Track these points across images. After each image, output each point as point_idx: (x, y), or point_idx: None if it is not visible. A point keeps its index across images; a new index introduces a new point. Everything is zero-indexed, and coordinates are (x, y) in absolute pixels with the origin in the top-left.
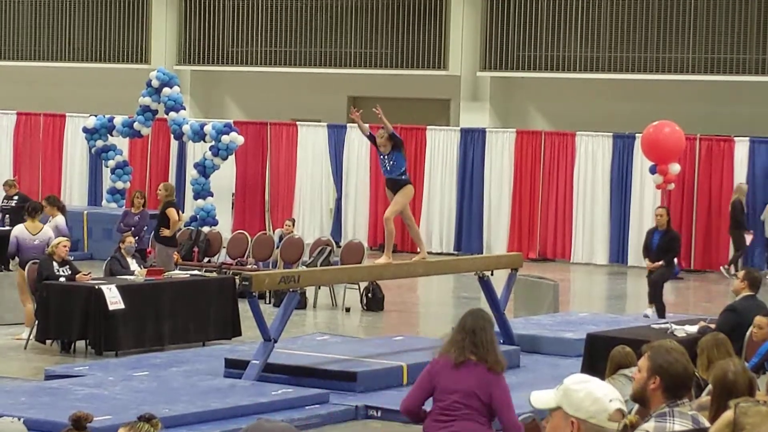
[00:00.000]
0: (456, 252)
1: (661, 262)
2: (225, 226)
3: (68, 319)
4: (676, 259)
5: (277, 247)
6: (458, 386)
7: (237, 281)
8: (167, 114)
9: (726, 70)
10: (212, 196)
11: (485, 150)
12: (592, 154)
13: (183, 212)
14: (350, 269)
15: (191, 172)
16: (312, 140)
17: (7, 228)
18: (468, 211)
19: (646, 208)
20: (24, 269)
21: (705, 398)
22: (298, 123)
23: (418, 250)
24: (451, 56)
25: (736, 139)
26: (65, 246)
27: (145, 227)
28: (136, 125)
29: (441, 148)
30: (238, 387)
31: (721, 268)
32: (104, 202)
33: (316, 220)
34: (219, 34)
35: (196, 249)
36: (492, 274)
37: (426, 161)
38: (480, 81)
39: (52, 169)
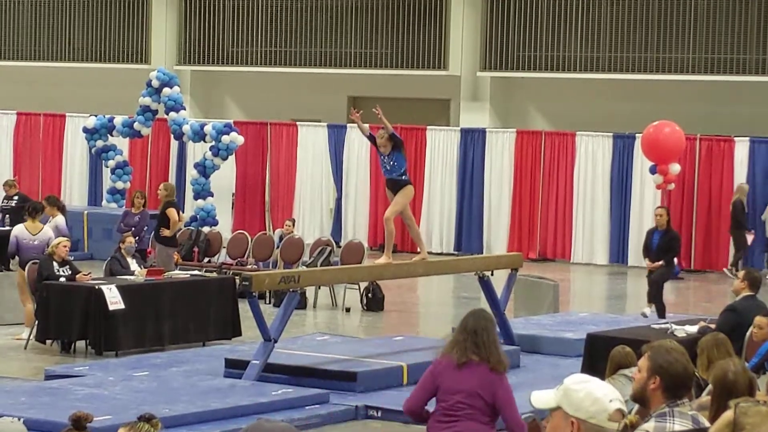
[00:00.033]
0: (456, 252)
1: (660, 262)
2: (225, 226)
3: (68, 319)
4: (676, 259)
5: (277, 247)
6: (461, 386)
7: (237, 281)
8: (167, 114)
9: (726, 70)
10: (212, 196)
11: (485, 150)
12: (592, 154)
13: (183, 212)
14: (350, 269)
15: (191, 172)
16: (312, 140)
17: (7, 228)
18: (468, 211)
19: (646, 208)
20: (24, 269)
21: (705, 398)
22: (298, 123)
23: (419, 250)
24: (451, 56)
25: (736, 139)
26: (65, 246)
27: (146, 227)
28: (136, 125)
29: (441, 148)
30: (238, 387)
31: (725, 270)
32: (104, 202)
33: (316, 220)
34: (219, 34)
35: (196, 249)
36: (492, 274)
37: (426, 161)
38: (480, 81)
39: (52, 169)
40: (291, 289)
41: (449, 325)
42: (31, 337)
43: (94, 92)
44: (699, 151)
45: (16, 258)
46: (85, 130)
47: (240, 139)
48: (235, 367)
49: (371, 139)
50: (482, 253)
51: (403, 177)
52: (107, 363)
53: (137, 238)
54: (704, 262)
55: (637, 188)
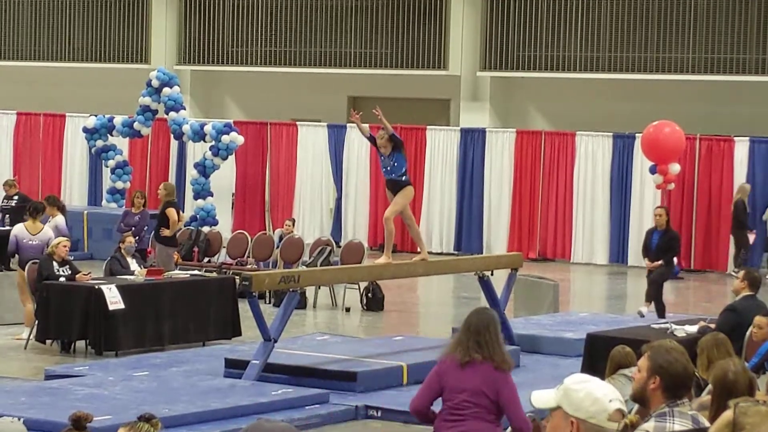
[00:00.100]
0: (456, 252)
1: (660, 262)
2: (225, 226)
3: (68, 319)
4: (675, 259)
5: (277, 247)
6: (466, 385)
7: (237, 281)
8: (167, 114)
9: (726, 70)
10: (212, 196)
11: (485, 150)
12: (592, 154)
13: (183, 212)
14: (350, 269)
15: (191, 172)
16: (312, 140)
17: (7, 228)
18: (468, 211)
19: (646, 208)
20: (24, 269)
21: (705, 398)
22: (298, 123)
23: (419, 250)
24: (451, 56)
25: (736, 139)
26: (65, 246)
27: (146, 227)
28: (136, 125)
29: (441, 148)
30: (238, 387)
31: (731, 272)
32: (104, 202)
33: (316, 220)
34: (219, 34)
35: (196, 249)
36: (492, 274)
37: (426, 161)
38: (480, 81)
39: (52, 169)
40: (291, 289)
41: (449, 325)
42: (31, 337)
43: (94, 92)
44: (699, 151)
45: (16, 256)
46: (85, 130)
47: (240, 139)
48: (235, 367)
49: (371, 140)
50: (482, 253)
51: (404, 178)
52: (107, 363)
53: (137, 238)
54: (704, 262)
55: (637, 188)
